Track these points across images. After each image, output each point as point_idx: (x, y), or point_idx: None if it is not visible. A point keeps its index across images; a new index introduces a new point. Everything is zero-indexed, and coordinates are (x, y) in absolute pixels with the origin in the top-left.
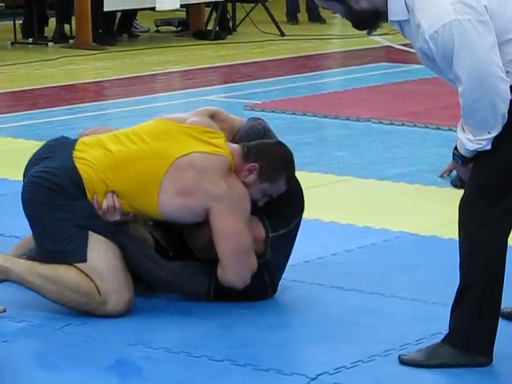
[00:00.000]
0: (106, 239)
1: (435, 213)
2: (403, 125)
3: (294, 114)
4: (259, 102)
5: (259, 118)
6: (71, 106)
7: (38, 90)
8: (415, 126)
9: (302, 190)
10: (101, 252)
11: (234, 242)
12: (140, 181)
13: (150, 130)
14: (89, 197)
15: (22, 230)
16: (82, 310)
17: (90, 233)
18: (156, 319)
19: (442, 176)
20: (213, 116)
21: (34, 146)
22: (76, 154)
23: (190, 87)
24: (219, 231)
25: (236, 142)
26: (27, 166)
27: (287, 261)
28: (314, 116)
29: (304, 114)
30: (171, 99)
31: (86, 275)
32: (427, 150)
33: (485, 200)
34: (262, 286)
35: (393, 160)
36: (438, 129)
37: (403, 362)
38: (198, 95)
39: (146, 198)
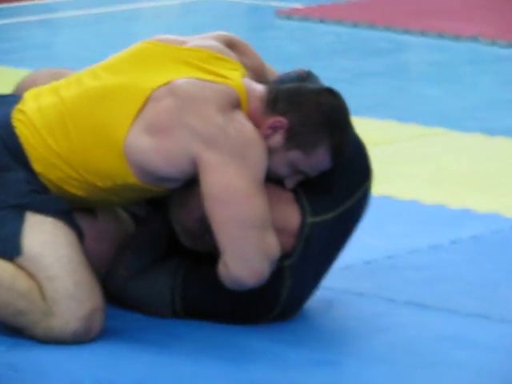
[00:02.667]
0: (56, 221)
1: None
2: None
3: (355, 26)
4: (299, 7)
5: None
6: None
7: None
8: None
9: (365, 148)
10: (47, 237)
11: (238, 211)
12: (103, 132)
13: (127, 58)
14: (35, 167)
15: None
16: (15, 324)
17: (28, 214)
18: (126, 346)
19: None
20: (231, 45)
21: None
22: (17, 108)
23: None
24: (213, 193)
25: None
26: None
27: (329, 266)
28: (387, 30)
29: (370, 28)
30: None
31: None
32: None
33: None
34: (266, 302)
35: (511, 104)
36: None
37: None
38: None
39: (113, 153)
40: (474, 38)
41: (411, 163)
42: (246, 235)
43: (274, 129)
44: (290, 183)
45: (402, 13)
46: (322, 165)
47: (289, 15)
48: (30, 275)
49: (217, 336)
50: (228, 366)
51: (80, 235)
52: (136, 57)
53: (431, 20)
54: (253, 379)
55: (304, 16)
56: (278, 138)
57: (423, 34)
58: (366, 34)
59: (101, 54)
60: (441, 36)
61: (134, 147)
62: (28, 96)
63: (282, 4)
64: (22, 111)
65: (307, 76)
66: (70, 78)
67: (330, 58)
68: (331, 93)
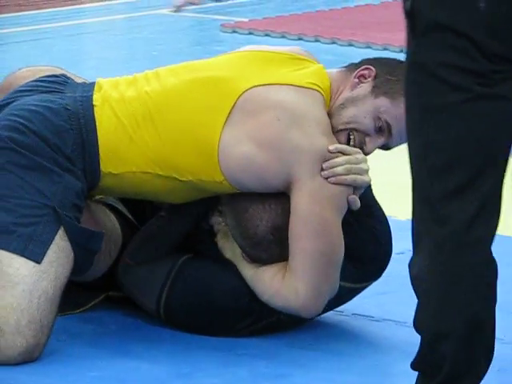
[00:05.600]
0: (71, 247)
1: None
2: None
3: (300, 39)
4: (245, 20)
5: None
6: None
7: None
8: None
9: (390, 238)
10: (52, 260)
11: (328, 247)
12: (194, 129)
13: (209, 61)
14: (102, 160)
15: None
16: None
17: (62, 229)
18: (73, 363)
19: None
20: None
21: None
22: (98, 95)
23: None
24: (308, 221)
25: None
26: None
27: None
28: (333, 43)
29: (316, 40)
30: (104, 13)
31: None
32: None
33: None
34: (245, 316)
35: None
36: None
37: None
38: (148, 7)
39: (205, 154)
40: None
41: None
42: (328, 272)
43: (361, 78)
44: (371, 146)
45: (346, 25)
46: (402, 116)
47: (234, 29)
48: None
49: (167, 351)
50: (179, 382)
51: (88, 265)
52: (217, 58)
53: (376, 32)
54: None
55: (249, 29)
56: (365, 86)
57: (368, 46)
58: (311, 46)
59: None
60: (385, 48)
61: (228, 153)
62: (103, 83)
63: (227, 18)
64: (104, 99)
65: None
66: (147, 73)
67: None
68: None
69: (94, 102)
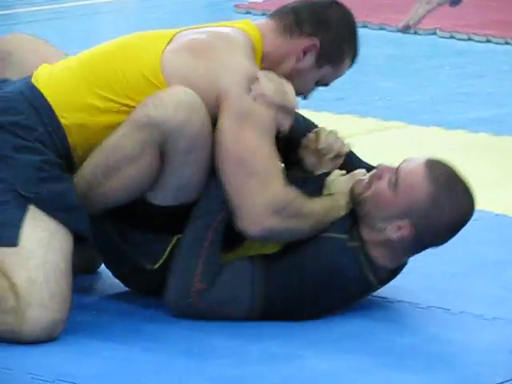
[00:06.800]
0: (58, 222)
1: None
2: (488, 41)
3: None
4: (259, 1)
5: None
6: None
7: None
8: (507, 43)
9: None
10: (43, 236)
11: (242, 160)
12: (134, 59)
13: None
14: (62, 120)
15: None
16: None
17: (31, 207)
18: (88, 341)
19: None
20: None
21: None
22: (33, 75)
23: None
24: (222, 141)
25: None
26: None
27: None
28: None
29: None
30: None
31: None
32: None
33: None
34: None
35: (470, 97)
36: None
37: None
38: None
39: (148, 68)
40: (431, 32)
41: (369, 157)
42: (248, 185)
43: (306, 52)
44: (310, 95)
45: (361, 7)
46: (344, 72)
47: (248, 10)
48: (3, 271)
49: (179, 332)
50: (191, 361)
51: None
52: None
53: (390, 14)
54: (216, 374)
55: (263, 10)
56: (310, 59)
57: (381, 27)
58: None
59: (60, 49)
60: (398, 30)
61: (171, 67)
62: (40, 69)
63: None
64: (36, 75)
65: None
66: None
67: None
68: (337, 4)
69: (31, 79)
